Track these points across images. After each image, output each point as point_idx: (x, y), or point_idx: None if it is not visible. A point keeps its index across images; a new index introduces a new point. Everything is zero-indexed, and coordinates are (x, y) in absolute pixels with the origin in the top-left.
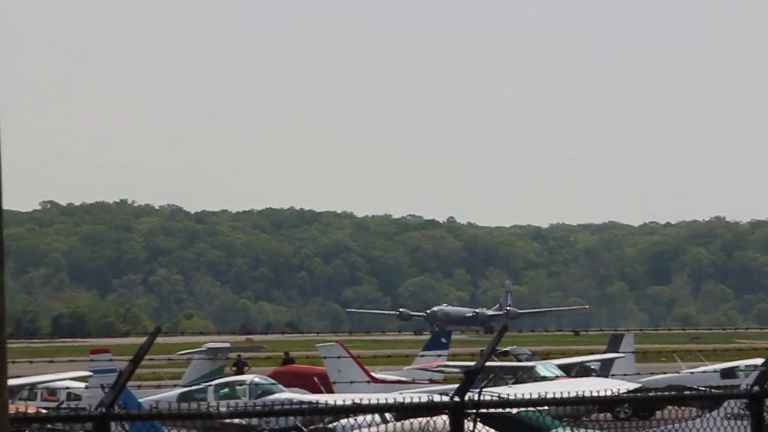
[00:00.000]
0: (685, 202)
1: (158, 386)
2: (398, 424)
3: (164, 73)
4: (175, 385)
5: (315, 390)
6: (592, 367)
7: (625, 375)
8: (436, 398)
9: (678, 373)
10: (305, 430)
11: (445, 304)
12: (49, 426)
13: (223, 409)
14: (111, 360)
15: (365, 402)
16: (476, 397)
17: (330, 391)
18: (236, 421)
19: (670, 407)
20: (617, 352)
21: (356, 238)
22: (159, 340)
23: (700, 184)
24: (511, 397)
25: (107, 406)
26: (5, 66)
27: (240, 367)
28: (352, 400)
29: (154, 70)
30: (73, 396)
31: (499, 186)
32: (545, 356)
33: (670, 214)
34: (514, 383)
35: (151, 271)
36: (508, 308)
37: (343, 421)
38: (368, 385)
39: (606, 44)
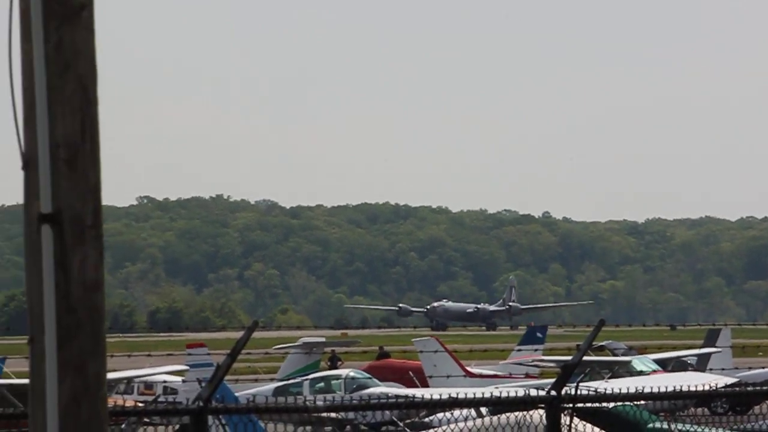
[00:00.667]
0: None
1: (256, 380)
2: (494, 418)
3: (260, 68)
4: (272, 379)
5: (410, 384)
6: (689, 361)
7: (722, 370)
8: (533, 392)
9: None
10: (401, 424)
11: (445, 300)
12: (145, 419)
13: (319, 403)
14: (207, 354)
15: (461, 396)
16: (573, 392)
17: (425, 385)
18: (332, 414)
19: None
20: (714, 347)
21: (451, 233)
22: (255, 334)
23: None
24: (608, 392)
25: (205, 399)
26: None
27: (333, 362)
28: (449, 394)
29: (248, 65)
30: (169, 390)
31: (594, 181)
32: (642, 351)
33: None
34: (610, 378)
35: (247, 266)
36: (510, 304)
37: (439, 415)
38: (464, 380)
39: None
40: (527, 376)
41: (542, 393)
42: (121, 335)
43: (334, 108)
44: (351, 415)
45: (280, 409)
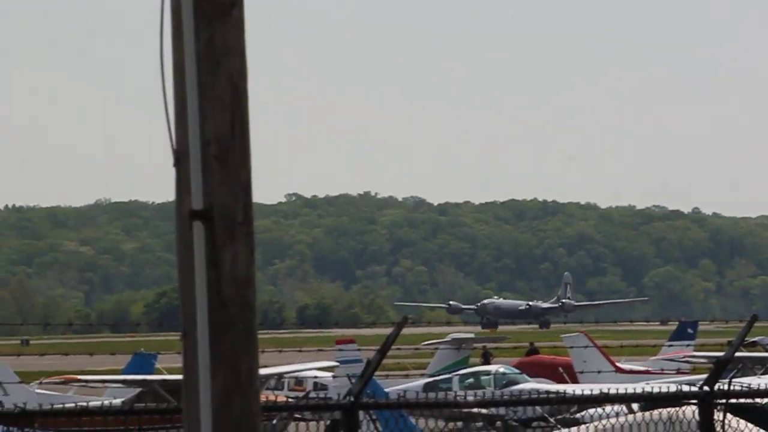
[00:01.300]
0: None
1: (405, 376)
2: (645, 414)
3: (410, 64)
4: (422, 375)
5: (560, 380)
6: None
7: None
8: (685, 389)
9: None
10: (551, 420)
11: (496, 297)
12: (296, 415)
13: (470, 399)
14: (357, 350)
15: (612, 392)
16: (726, 387)
17: (575, 381)
18: (482, 410)
19: None
20: None
21: (600, 229)
22: (404, 330)
23: None
24: (762, 387)
25: (356, 395)
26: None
27: (486, 358)
28: (599, 389)
29: (396, 61)
30: (319, 386)
31: (744, 176)
32: None
33: None
34: (763, 374)
35: (395, 263)
36: (563, 301)
37: (590, 410)
38: (614, 376)
39: None
40: (678, 372)
41: (695, 389)
42: (271, 331)
43: (483, 105)
44: (502, 410)
45: (431, 404)
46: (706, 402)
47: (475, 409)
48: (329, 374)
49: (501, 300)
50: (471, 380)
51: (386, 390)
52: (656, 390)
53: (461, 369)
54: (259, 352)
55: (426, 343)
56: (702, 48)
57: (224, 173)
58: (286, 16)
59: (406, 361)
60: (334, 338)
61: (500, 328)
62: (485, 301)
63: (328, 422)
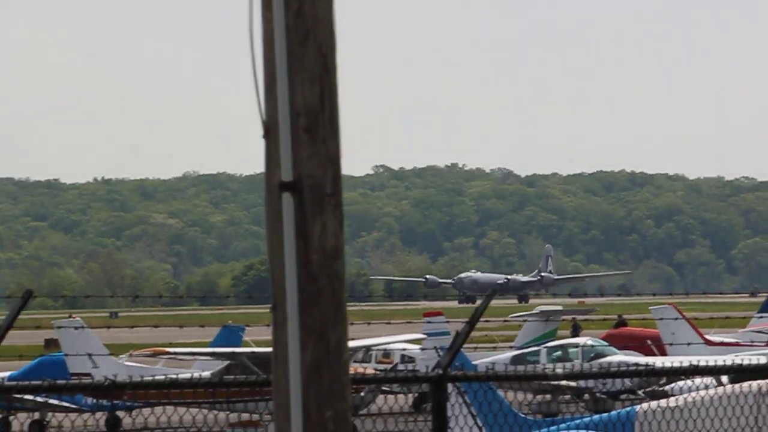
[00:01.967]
0: None
1: (494, 348)
2: (735, 386)
3: (496, 35)
4: (510, 348)
5: (648, 353)
6: None
7: None
8: None
9: None
10: (640, 392)
11: (473, 270)
12: (384, 387)
13: (558, 371)
14: (445, 322)
15: (701, 364)
16: None
17: (663, 354)
18: (571, 383)
19: None
20: None
21: (688, 201)
22: (491, 302)
23: None
24: None
25: (444, 367)
26: None
27: (575, 330)
28: (689, 362)
29: (481, 32)
30: (407, 358)
31: None
32: None
33: None
34: None
35: (482, 235)
36: (543, 274)
37: (679, 383)
38: (703, 348)
39: None
40: None
41: None
42: (359, 303)
43: (570, 77)
44: (590, 383)
45: (520, 377)
46: None
47: (563, 382)
48: (417, 347)
49: (479, 274)
50: (559, 353)
51: (474, 363)
52: (746, 362)
53: (549, 341)
54: (348, 325)
55: (514, 315)
56: None
57: (313, 145)
58: None
59: (494, 334)
60: (422, 311)
61: (478, 302)
62: (462, 275)
63: (416, 395)
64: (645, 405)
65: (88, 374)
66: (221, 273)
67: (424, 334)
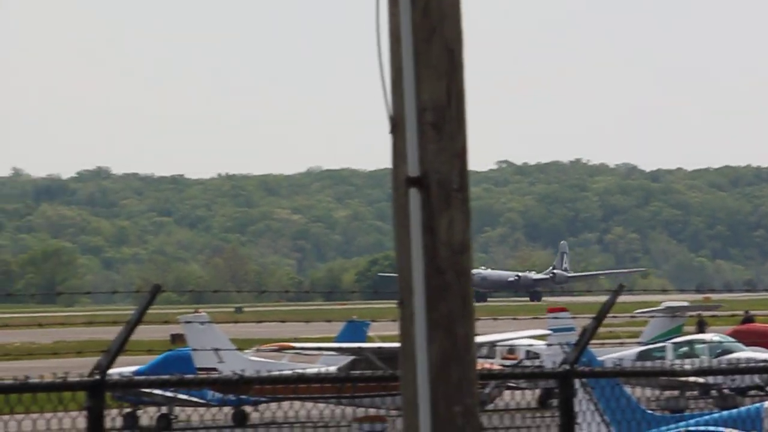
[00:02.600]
0: None
1: (620, 344)
2: None
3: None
4: (638, 343)
5: None
6: None
7: None
8: None
9: None
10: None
11: (483, 267)
12: (510, 383)
13: (687, 367)
14: (570, 318)
15: None
16: None
17: None
18: (698, 379)
19: None
20: None
21: None
22: (618, 298)
23: None
24: None
25: (571, 363)
26: None
27: (701, 326)
28: None
29: (596, 22)
30: (531, 354)
31: None
32: None
33: None
34: None
35: (607, 230)
36: (555, 272)
37: None
38: None
39: None
40: None
41: None
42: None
43: (695, 70)
44: (718, 379)
45: (647, 372)
46: None
47: (690, 378)
48: (542, 343)
49: (489, 270)
50: (685, 349)
51: (599, 358)
52: None
53: (675, 337)
54: (474, 320)
55: (639, 311)
56: None
57: (440, 140)
58: None
59: (619, 330)
60: (546, 306)
61: (489, 300)
62: (471, 271)
63: (541, 391)
64: None
65: (214, 369)
66: (345, 268)
67: (549, 330)
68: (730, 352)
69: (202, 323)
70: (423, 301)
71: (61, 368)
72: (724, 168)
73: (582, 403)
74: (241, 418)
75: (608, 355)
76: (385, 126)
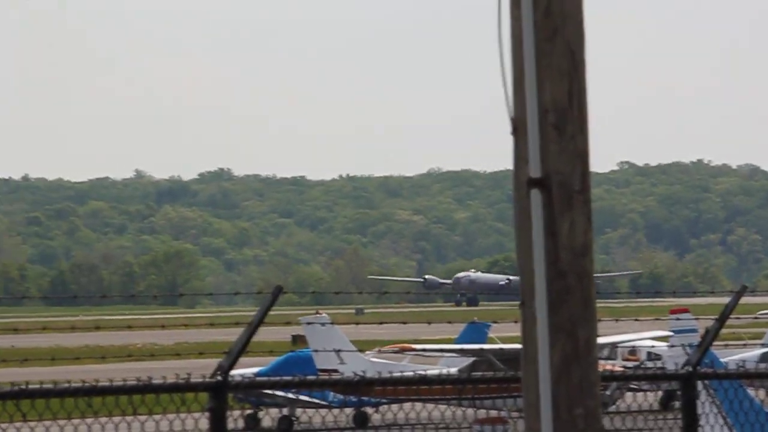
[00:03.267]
0: None
1: (744, 345)
2: None
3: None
4: (762, 345)
5: None
6: None
7: None
8: None
9: None
10: None
11: (473, 270)
12: (631, 384)
13: None
14: (692, 319)
15: None
16: None
17: None
18: None
19: None
20: None
21: None
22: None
23: None
24: None
25: (694, 364)
26: None
27: None
28: None
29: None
30: (653, 356)
31: None
32: None
33: None
34: None
35: (730, 231)
36: None
37: None
38: None
39: None
40: None
41: None
42: (603, 300)
43: None
44: None
45: None
46: None
47: None
48: (663, 344)
49: (478, 274)
50: None
51: (722, 360)
52: None
53: None
54: (596, 322)
55: (762, 312)
56: None
57: (562, 141)
58: None
59: (742, 331)
60: (667, 308)
61: (480, 304)
62: (459, 275)
63: (663, 393)
64: None
65: (335, 370)
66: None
67: (671, 331)
68: None
69: (323, 324)
70: (545, 303)
71: (183, 369)
72: None
73: (705, 405)
74: (362, 420)
75: (731, 356)
76: (506, 127)
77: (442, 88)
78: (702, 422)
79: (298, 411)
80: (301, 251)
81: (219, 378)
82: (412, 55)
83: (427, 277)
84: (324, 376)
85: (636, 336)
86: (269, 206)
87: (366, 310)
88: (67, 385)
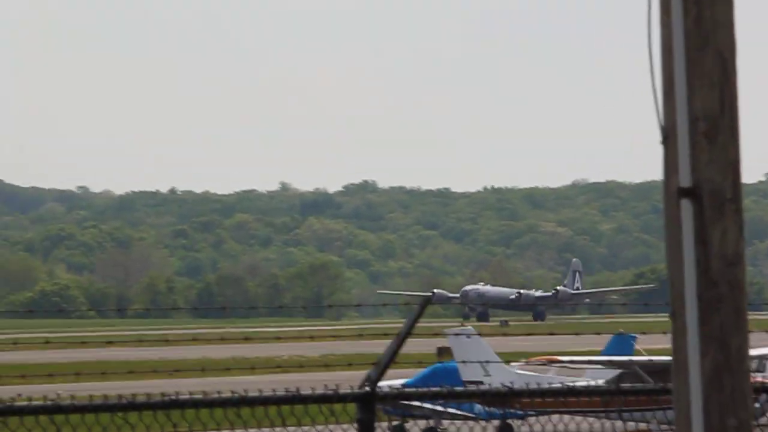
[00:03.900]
0: None
1: None
2: None
3: None
4: None
5: None
6: None
7: None
8: None
9: None
10: None
11: (482, 283)
12: None
13: None
14: None
15: None
16: None
17: None
18: None
19: None
20: None
21: None
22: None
23: None
24: None
25: None
26: None
27: None
28: None
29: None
30: None
31: None
32: None
33: None
34: None
35: None
36: (558, 288)
37: None
38: None
39: None
40: None
41: None
42: (753, 313)
43: None
44: None
45: None
46: None
47: None
48: None
49: (487, 287)
50: None
51: None
52: None
53: None
54: (748, 332)
55: None
56: None
57: (712, 150)
58: None
59: None
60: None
61: (491, 318)
62: (467, 288)
63: None
64: None
65: (481, 382)
66: (611, 281)
67: None
68: None
69: (468, 336)
70: (696, 313)
71: (330, 381)
72: None
73: None
74: None
75: None
76: (651, 137)
77: (586, 99)
78: None
79: (445, 423)
80: (446, 263)
81: (367, 389)
82: (558, 65)
83: (435, 291)
84: (471, 388)
85: None
86: (414, 218)
87: (510, 322)
88: (216, 395)
